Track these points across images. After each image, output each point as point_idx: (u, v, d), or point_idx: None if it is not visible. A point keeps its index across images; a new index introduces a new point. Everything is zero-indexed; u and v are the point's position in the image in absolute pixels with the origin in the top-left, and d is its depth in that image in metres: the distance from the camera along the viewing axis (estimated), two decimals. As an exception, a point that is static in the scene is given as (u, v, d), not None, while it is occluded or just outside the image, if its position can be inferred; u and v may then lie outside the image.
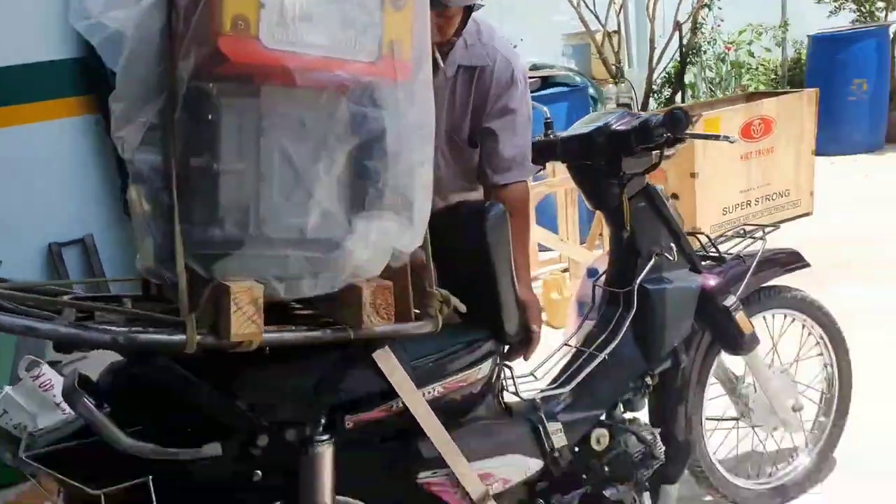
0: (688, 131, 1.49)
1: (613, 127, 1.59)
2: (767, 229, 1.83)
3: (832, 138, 5.51)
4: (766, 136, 4.37)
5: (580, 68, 5.47)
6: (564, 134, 1.72)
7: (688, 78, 5.76)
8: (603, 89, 5.32)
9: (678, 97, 5.60)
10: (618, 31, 5.51)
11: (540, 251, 3.77)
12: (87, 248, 4.39)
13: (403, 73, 1.04)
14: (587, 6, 5.10)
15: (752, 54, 6.93)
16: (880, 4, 6.61)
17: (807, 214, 4.58)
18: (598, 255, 1.86)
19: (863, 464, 2.08)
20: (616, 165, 1.60)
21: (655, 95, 5.61)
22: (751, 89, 6.83)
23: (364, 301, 1.04)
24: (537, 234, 3.38)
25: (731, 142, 1.61)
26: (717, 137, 1.65)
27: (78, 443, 1.09)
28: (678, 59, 5.47)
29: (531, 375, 1.64)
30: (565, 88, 4.53)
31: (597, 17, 5.16)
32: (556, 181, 3.53)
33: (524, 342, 1.54)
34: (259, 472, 1.19)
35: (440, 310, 1.21)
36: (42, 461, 1.06)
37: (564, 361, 1.69)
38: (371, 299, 1.05)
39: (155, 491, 1.07)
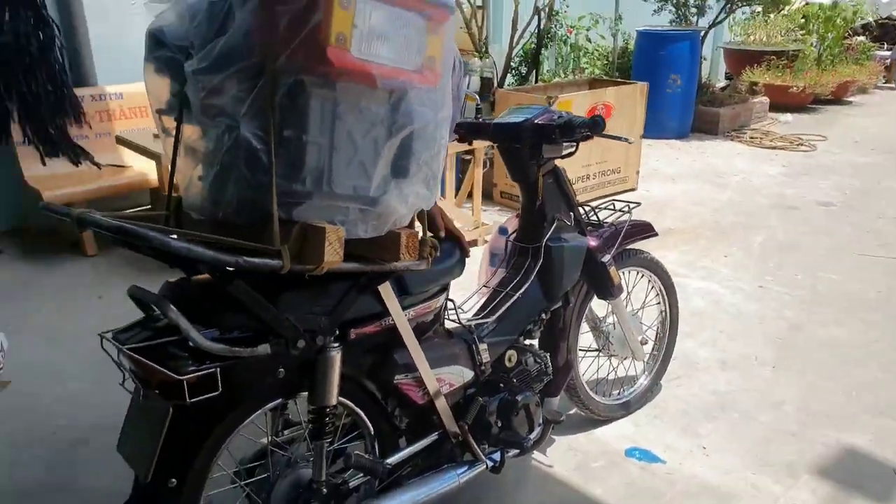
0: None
1: (537, 121, 2.06)
2: (632, 205, 2.41)
3: (651, 124, 6.35)
4: (606, 119, 5.10)
5: (446, 37, 5.90)
6: (497, 120, 2.15)
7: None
8: (468, 61, 5.80)
9: (532, 75, 6.22)
10: (482, 7, 5.99)
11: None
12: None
13: (437, 80, 1.43)
14: (458, -19, 5.52)
15: (589, 39, 7.74)
16: (693, 10, 7.68)
17: (632, 189, 5.44)
18: (507, 218, 2.33)
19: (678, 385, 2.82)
20: (538, 150, 2.06)
21: (513, 72, 6.19)
22: (587, 71, 7.67)
23: (402, 243, 1.44)
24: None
25: (630, 143, 2.16)
26: (620, 139, 2.18)
27: (164, 340, 1.39)
28: (534, 40, 6.07)
29: (460, 309, 2.10)
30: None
31: (465, -7, 5.61)
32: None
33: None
34: (282, 369, 1.56)
35: (430, 253, 1.63)
36: (138, 353, 1.35)
37: (484, 299, 2.17)
38: (406, 242, 1.45)
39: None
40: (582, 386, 2.44)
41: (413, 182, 1.45)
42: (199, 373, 1.38)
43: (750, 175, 5.99)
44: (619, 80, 6.15)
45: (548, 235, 2.14)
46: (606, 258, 2.26)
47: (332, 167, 1.35)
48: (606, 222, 2.37)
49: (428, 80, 1.40)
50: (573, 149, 2.09)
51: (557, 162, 2.16)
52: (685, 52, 7.03)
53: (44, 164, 4.31)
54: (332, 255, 1.32)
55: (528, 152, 2.08)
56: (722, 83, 9.39)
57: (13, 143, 4.23)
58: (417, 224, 1.65)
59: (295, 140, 1.32)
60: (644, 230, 2.47)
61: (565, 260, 2.16)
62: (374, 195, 1.41)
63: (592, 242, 2.25)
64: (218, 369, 1.40)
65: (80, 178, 4.28)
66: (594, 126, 1.96)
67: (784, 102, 8.51)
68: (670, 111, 7.14)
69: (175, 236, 1.24)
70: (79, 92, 4.44)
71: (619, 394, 2.64)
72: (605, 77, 6.80)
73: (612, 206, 2.44)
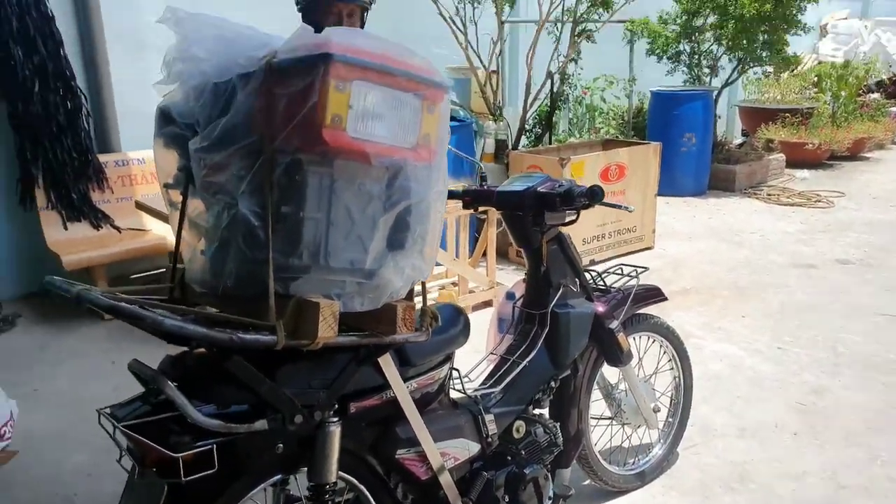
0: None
1: (540, 189, 2.06)
2: (639, 270, 2.39)
3: (667, 182, 6.37)
4: (620, 179, 5.14)
5: (461, 101, 6.03)
6: (500, 188, 2.16)
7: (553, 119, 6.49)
8: (483, 124, 5.90)
9: (546, 137, 6.29)
10: (497, 72, 6.11)
11: (432, 268, 4.24)
12: (-29, 238, 4.29)
13: (432, 157, 1.45)
14: (472, 48, 5.65)
15: (604, 100, 7.86)
16: (706, 70, 7.77)
17: (648, 248, 5.42)
18: (515, 283, 2.33)
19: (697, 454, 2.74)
20: (541, 218, 2.07)
21: (527, 134, 6.27)
22: (602, 131, 7.75)
23: (398, 316, 1.43)
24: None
25: (630, 211, 2.16)
26: (620, 207, 2.19)
27: (161, 416, 1.38)
28: (547, 102, 6.16)
29: (466, 377, 2.08)
30: (455, 123, 5.04)
31: (479, 58, 5.73)
32: (449, 208, 3.99)
33: None
34: (281, 445, 1.54)
35: (430, 324, 1.62)
36: (134, 430, 1.35)
37: (491, 367, 2.15)
38: (402, 315, 1.44)
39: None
40: (594, 456, 2.38)
41: (409, 255, 1.45)
42: (195, 450, 1.37)
43: (767, 233, 5.94)
44: (632, 140, 6.19)
45: (554, 302, 2.12)
46: (614, 324, 2.24)
47: (329, 242, 1.36)
48: (614, 287, 2.35)
49: (423, 157, 1.42)
50: (575, 217, 2.08)
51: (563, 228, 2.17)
52: (699, 111, 7.08)
53: (65, 228, 4.41)
54: (327, 331, 1.31)
55: (531, 219, 2.08)
56: (738, 140, 9.42)
57: (37, 208, 4.34)
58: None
59: (292, 216, 1.33)
60: (653, 294, 2.44)
61: (572, 327, 2.13)
62: (371, 268, 1.41)
63: (600, 308, 2.23)
64: (214, 446, 1.39)
65: (101, 242, 4.35)
66: (592, 196, 1.96)
67: (800, 159, 8.49)
68: (686, 169, 7.15)
69: (168, 315, 1.25)
70: (102, 158, 4.58)
71: (633, 463, 2.57)
72: (620, 137, 6.85)
73: (619, 271, 2.42)
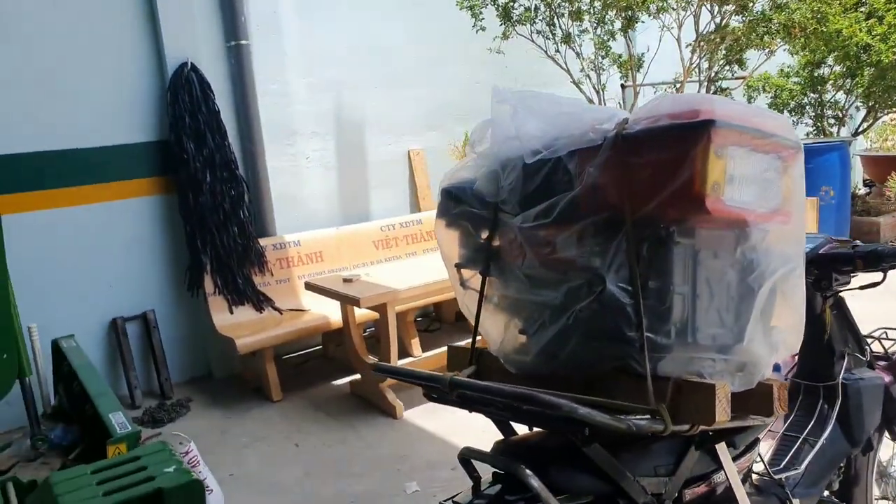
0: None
1: (825, 251, 1.92)
2: (913, 334, 2.19)
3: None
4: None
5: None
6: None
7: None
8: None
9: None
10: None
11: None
12: (147, 322, 4.44)
13: (791, 218, 1.35)
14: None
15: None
16: (832, 121, 7.51)
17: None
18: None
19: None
20: (827, 282, 1.92)
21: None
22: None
23: (774, 396, 1.31)
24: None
25: None
26: None
27: None
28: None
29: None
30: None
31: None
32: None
33: None
34: None
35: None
36: None
37: (774, 446, 1.97)
38: (778, 394, 1.31)
39: None
40: (876, 542, 2.14)
41: (782, 328, 1.34)
42: None
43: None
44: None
45: (841, 373, 1.95)
46: (902, 395, 2.03)
47: (696, 317, 1.27)
48: (892, 353, 2.15)
49: (787, 220, 1.33)
50: (881, 278, 1.90)
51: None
52: (835, 163, 6.80)
53: (231, 312, 4.50)
54: (722, 414, 1.20)
55: (812, 283, 1.93)
56: (863, 190, 8.97)
57: (205, 294, 4.46)
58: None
59: (660, 290, 1.25)
60: (925, 362, 2.22)
61: (865, 399, 1.95)
62: (741, 344, 1.30)
63: (886, 378, 2.03)
64: None
65: (263, 325, 4.41)
66: (909, 255, 1.80)
67: (944, 208, 7.99)
68: (825, 224, 6.80)
69: (576, 403, 1.17)
70: (262, 242, 4.69)
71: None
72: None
73: (885, 335, 2.22)
